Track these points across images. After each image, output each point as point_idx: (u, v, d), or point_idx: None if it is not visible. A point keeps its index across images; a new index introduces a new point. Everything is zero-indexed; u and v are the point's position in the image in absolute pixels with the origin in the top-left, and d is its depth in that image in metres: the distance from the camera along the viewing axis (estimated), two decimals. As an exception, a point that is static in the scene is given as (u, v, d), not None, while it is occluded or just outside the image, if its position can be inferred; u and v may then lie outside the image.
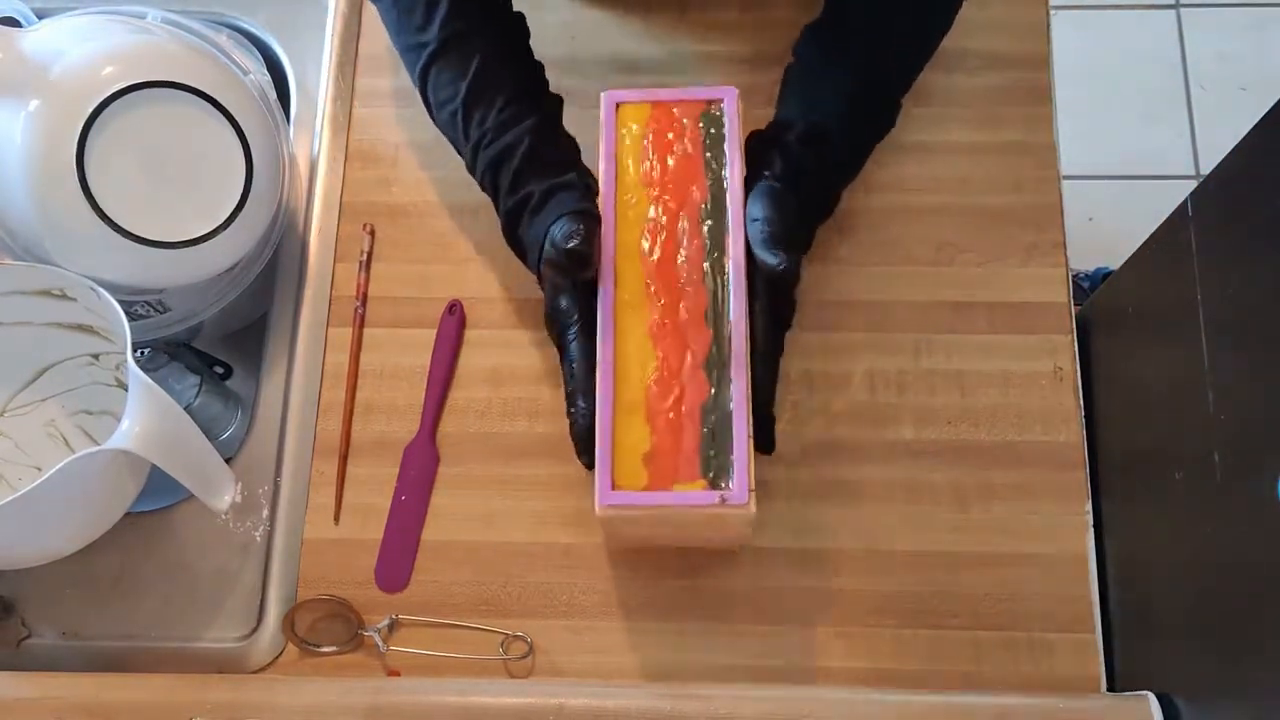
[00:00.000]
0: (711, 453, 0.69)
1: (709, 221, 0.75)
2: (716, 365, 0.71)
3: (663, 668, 0.79)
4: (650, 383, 0.71)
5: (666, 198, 0.76)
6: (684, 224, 0.75)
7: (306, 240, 0.90)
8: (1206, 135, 1.73)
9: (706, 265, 0.74)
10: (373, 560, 0.82)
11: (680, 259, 0.74)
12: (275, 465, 0.85)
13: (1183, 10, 1.81)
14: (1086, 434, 0.82)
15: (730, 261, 0.74)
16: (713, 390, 0.71)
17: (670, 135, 0.78)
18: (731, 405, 0.70)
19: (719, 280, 0.74)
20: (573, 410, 0.75)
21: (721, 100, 0.78)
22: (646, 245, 0.75)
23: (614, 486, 0.69)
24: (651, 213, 0.76)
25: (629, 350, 0.72)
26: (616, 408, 0.70)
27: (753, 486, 0.68)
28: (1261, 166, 0.69)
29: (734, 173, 0.76)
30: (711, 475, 0.69)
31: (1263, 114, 0.70)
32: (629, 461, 0.69)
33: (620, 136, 0.78)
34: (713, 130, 0.78)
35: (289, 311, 0.89)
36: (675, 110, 0.78)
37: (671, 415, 0.70)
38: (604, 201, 0.76)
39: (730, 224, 0.75)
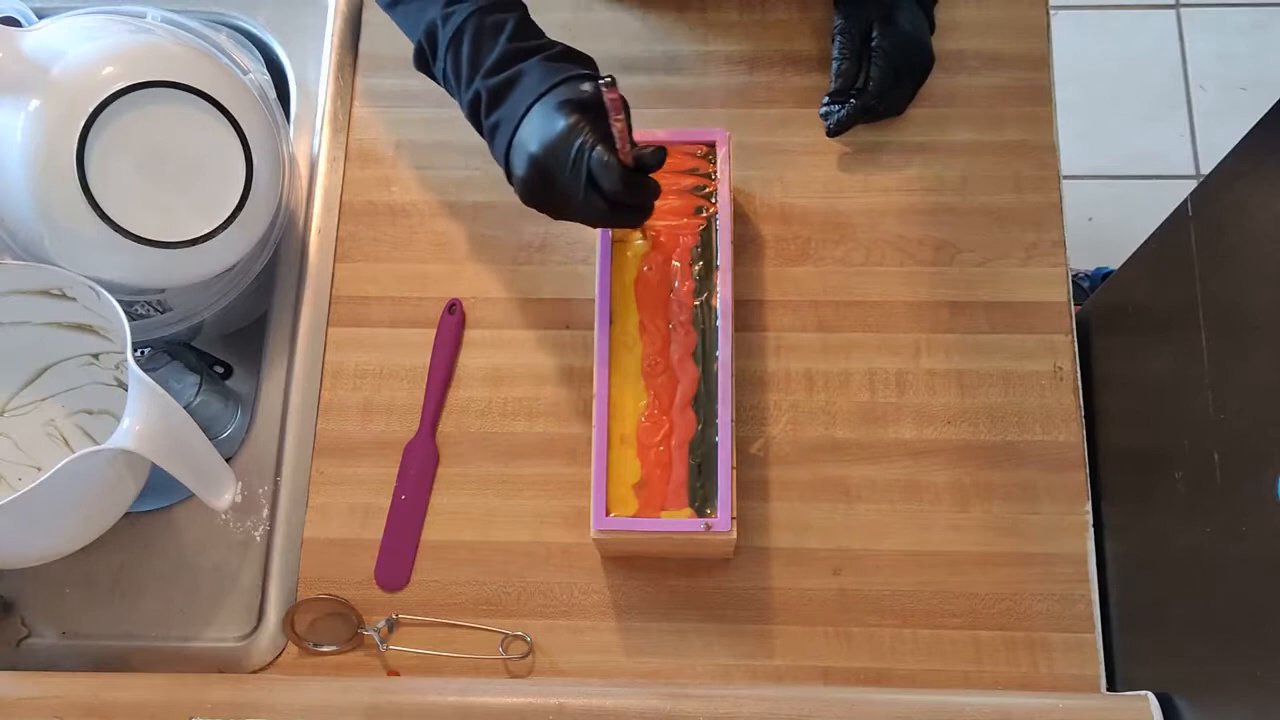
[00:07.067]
0: (698, 484, 0.74)
1: (699, 263, 0.79)
2: (704, 402, 0.76)
3: (663, 668, 0.79)
4: (642, 418, 0.75)
5: (661, 239, 0.79)
6: (676, 265, 0.79)
7: (306, 240, 0.90)
8: (1206, 135, 1.73)
9: (697, 305, 0.78)
10: (373, 560, 0.82)
11: (673, 300, 0.78)
12: (275, 465, 0.85)
13: (1183, 10, 1.81)
14: (1086, 434, 0.82)
15: (719, 301, 0.77)
16: (700, 426, 0.75)
17: (664, 178, 0.80)
18: (718, 439, 0.74)
19: (708, 321, 0.77)
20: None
21: (714, 142, 0.81)
22: (641, 286, 0.78)
23: (607, 513, 0.74)
24: (646, 254, 0.79)
25: (623, 386, 0.76)
26: (610, 440, 0.75)
27: (734, 515, 0.73)
28: (1261, 166, 0.69)
29: (724, 214, 0.79)
30: (698, 505, 0.74)
31: (1263, 114, 0.70)
32: (620, 490, 0.74)
33: None
34: (704, 172, 0.81)
35: (289, 311, 0.89)
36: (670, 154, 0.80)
37: (661, 449, 0.75)
38: (601, 242, 0.79)
39: (719, 264, 0.78)
